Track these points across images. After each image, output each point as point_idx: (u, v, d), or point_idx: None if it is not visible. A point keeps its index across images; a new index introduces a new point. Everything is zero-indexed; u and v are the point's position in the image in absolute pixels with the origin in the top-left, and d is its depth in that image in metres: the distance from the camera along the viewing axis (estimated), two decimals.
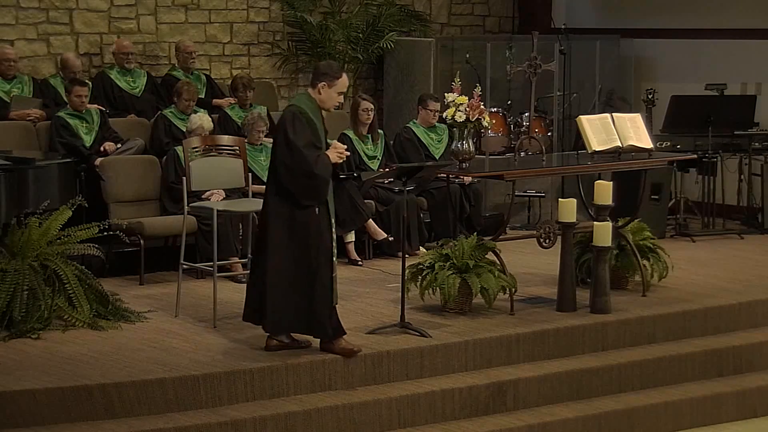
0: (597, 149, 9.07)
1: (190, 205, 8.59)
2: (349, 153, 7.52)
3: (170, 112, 10.71)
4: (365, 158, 10.60)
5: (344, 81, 7.50)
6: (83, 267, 8.28)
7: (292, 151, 7.31)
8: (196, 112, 10.60)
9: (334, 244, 7.49)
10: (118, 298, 8.53)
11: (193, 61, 11.67)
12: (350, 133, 10.56)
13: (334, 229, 7.49)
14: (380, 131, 10.90)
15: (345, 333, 7.54)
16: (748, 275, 9.90)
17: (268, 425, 6.98)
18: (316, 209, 7.37)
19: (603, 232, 8.60)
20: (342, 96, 7.56)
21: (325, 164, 7.33)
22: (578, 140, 9.73)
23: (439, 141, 11.08)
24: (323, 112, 7.52)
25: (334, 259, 7.47)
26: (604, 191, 8.75)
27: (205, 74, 11.92)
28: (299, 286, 7.40)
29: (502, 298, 8.50)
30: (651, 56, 13.41)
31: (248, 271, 8.72)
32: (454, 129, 8.59)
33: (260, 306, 7.50)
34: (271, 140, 10.67)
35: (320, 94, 7.45)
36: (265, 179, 10.04)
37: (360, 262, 10.21)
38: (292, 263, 7.40)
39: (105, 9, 11.83)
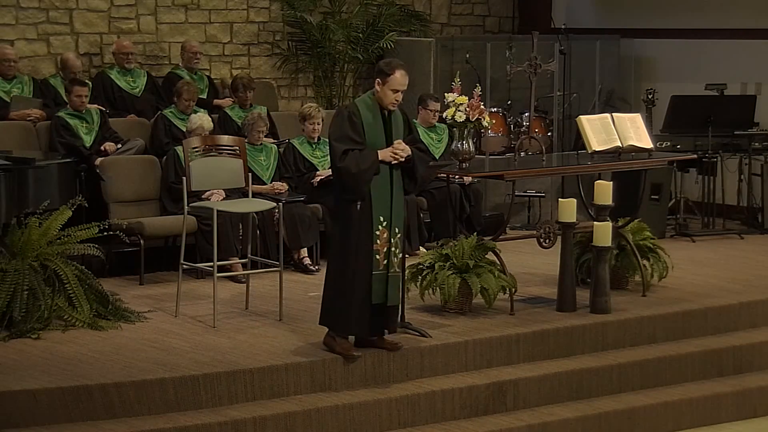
0: (597, 149, 9.07)
1: (190, 205, 8.59)
2: (404, 156, 7.38)
3: (170, 112, 10.71)
4: None
5: (397, 78, 7.36)
6: (83, 267, 8.28)
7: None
8: (196, 112, 10.61)
9: (379, 240, 7.36)
10: (118, 298, 8.54)
11: (197, 62, 11.67)
12: None
13: (382, 227, 7.37)
14: None
15: (380, 333, 7.56)
16: (748, 275, 9.90)
17: (268, 425, 6.98)
18: (358, 205, 7.33)
19: (603, 232, 8.60)
20: (399, 94, 7.38)
21: (355, 159, 7.24)
22: (578, 140, 9.73)
23: (439, 141, 11.08)
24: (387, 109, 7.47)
25: (377, 256, 7.37)
26: (604, 191, 8.75)
27: (206, 75, 11.91)
28: (337, 282, 7.44)
29: (502, 298, 8.50)
30: (651, 56, 13.42)
31: (248, 271, 8.76)
32: (454, 129, 8.58)
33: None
34: (272, 140, 10.76)
35: (378, 91, 7.41)
36: (264, 179, 10.12)
37: None
38: (337, 259, 7.48)
39: (105, 9, 11.83)
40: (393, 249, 7.45)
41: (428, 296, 8.49)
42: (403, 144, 7.44)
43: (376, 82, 7.40)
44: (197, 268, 8.80)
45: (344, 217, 7.42)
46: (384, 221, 7.40)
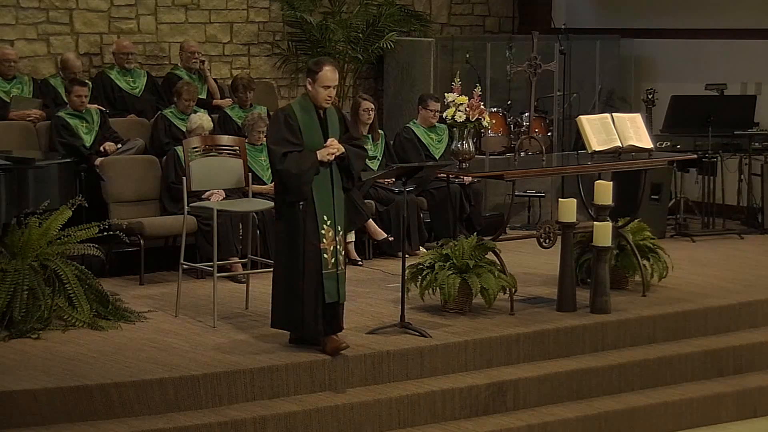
0: (597, 149, 9.08)
1: (190, 205, 8.59)
2: (334, 153, 7.42)
3: (170, 112, 10.71)
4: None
5: (325, 74, 7.38)
6: (83, 267, 8.28)
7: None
8: (195, 112, 10.61)
9: (325, 239, 7.39)
10: (118, 298, 8.54)
11: (196, 62, 11.67)
12: None
13: (327, 226, 7.41)
14: (380, 131, 10.91)
15: (334, 332, 7.52)
16: (748, 275, 9.90)
17: (268, 425, 6.99)
18: (300, 206, 7.37)
19: (603, 232, 8.60)
20: (331, 90, 7.43)
21: (295, 160, 7.32)
22: (578, 140, 9.73)
23: (439, 141, 11.08)
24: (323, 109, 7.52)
25: (325, 255, 7.38)
26: (604, 191, 8.76)
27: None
28: (286, 283, 7.47)
29: (502, 298, 8.50)
30: (651, 56, 13.41)
31: (248, 271, 8.76)
32: (454, 129, 8.59)
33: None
34: None
35: (311, 91, 7.47)
36: (265, 179, 10.12)
37: (360, 262, 10.22)
38: (284, 260, 7.50)
39: (105, 9, 11.83)
40: (338, 247, 7.49)
41: (428, 296, 8.49)
42: (336, 141, 7.46)
43: (307, 81, 7.47)
44: (197, 268, 8.80)
45: (289, 218, 7.46)
46: (328, 220, 7.44)
